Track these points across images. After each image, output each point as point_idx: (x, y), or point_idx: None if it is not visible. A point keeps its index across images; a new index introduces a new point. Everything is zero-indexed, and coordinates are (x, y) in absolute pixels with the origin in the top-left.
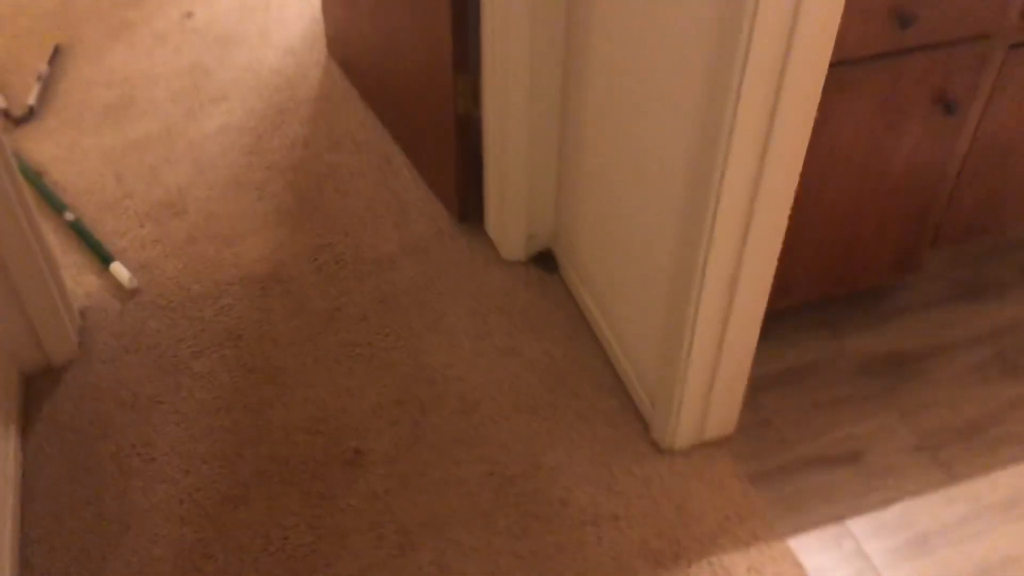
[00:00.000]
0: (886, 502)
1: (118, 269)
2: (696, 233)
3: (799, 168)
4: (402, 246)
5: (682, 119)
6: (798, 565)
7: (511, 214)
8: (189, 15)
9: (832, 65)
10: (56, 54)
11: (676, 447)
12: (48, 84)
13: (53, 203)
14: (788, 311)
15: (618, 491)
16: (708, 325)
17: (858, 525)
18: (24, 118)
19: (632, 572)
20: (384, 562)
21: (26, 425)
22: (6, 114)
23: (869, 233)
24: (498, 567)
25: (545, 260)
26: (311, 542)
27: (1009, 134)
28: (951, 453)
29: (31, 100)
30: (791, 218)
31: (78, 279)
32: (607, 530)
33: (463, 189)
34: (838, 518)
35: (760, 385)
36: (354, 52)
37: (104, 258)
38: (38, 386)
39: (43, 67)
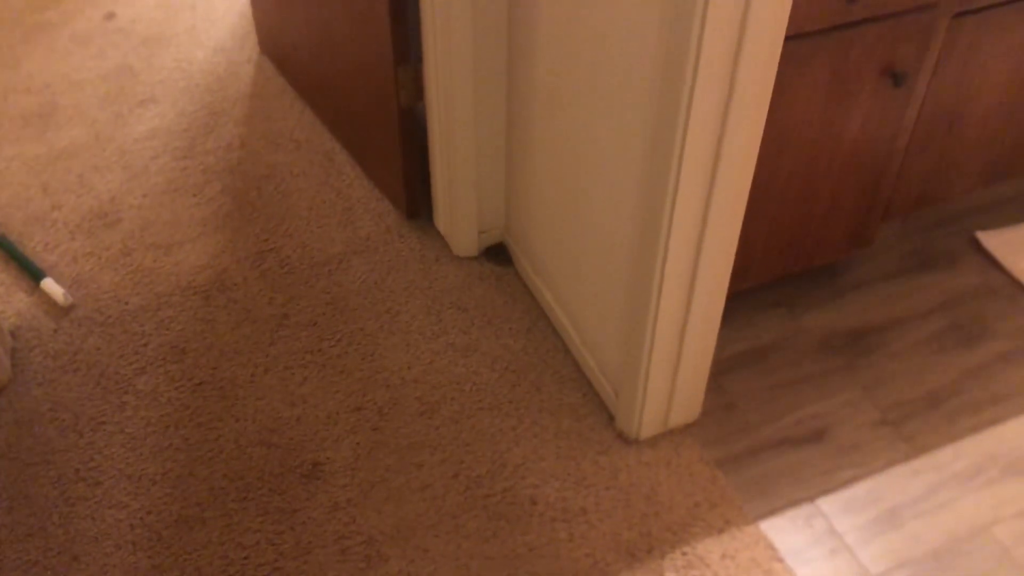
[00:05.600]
0: (854, 479)
1: (50, 285)
2: (655, 218)
3: (757, 147)
4: (349, 246)
5: (636, 101)
6: (771, 548)
7: (461, 208)
8: (111, 15)
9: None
10: None
11: (642, 436)
12: None
13: None
14: (744, 292)
15: (586, 485)
16: (670, 311)
17: (828, 503)
18: None
19: (605, 566)
20: None
21: None
22: None
23: (823, 209)
24: (470, 572)
25: (498, 254)
26: (273, 560)
27: (954, 103)
28: (914, 426)
29: None
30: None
31: (7, 298)
32: (578, 526)
33: (410, 185)
34: (808, 498)
35: (721, 368)
36: (287, 47)
37: (34, 274)
38: None
39: None
